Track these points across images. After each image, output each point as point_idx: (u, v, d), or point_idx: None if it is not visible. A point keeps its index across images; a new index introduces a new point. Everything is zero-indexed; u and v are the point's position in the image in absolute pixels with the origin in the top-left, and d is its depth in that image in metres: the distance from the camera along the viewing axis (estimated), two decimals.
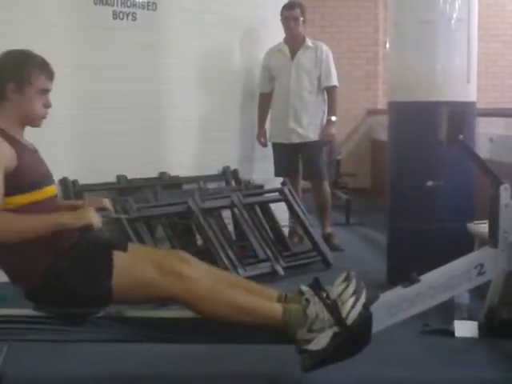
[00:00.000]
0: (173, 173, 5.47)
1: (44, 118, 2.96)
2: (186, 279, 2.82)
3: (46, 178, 2.92)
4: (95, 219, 2.78)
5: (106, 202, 3.14)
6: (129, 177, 5.26)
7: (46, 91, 2.93)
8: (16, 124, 2.88)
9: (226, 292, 2.89)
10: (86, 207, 2.89)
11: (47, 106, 2.94)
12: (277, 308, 2.90)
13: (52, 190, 2.95)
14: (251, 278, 4.44)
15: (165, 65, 5.48)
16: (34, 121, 2.95)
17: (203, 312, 2.85)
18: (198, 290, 2.82)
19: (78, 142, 5.04)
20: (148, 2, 5.35)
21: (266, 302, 2.95)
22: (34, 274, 2.77)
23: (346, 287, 2.86)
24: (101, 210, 3.01)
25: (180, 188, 5.52)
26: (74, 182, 5.00)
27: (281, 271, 4.95)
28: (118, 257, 2.85)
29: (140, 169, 5.30)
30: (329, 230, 6.05)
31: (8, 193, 2.71)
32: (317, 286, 2.91)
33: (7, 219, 2.68)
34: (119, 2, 5.21)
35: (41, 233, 2.71)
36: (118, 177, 5.23)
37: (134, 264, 2.87)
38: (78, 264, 2.82)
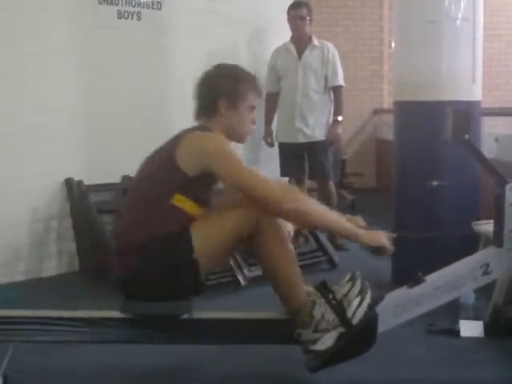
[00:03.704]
0: None
1: (249, 134, 2.98)
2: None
3: None
4: (389, 245, 2.83)
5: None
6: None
7: (254, 108, 2.94)
8: None
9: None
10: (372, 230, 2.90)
11: (254, 122, 2.94)
12: (306, 295, 2.90)
13: None
14: (256, 278, 4.44)
15: (170, 64, 5.48)
16: (241, 137, 2.96)
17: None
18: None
19: (82, 142, 5.04)
20: (153, 2, 5.36)
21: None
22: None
23: (352, 287, 2.87)
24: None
25: None
26: (79, 183, 5.00)
27: None
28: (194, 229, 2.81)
29: None
30: None
31: None
32: (323, 289, 2.91)
33: (322, 208, 2.80)
34: (124, 2, 5.22)
35: (332, 232, 3.03)
36: (123, 177, 5.23)
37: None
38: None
